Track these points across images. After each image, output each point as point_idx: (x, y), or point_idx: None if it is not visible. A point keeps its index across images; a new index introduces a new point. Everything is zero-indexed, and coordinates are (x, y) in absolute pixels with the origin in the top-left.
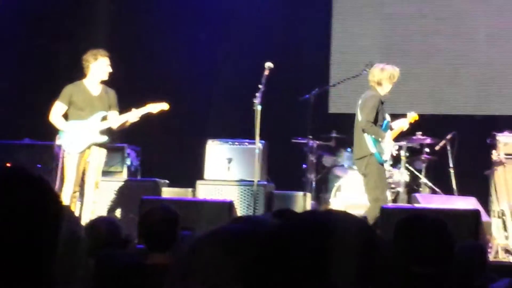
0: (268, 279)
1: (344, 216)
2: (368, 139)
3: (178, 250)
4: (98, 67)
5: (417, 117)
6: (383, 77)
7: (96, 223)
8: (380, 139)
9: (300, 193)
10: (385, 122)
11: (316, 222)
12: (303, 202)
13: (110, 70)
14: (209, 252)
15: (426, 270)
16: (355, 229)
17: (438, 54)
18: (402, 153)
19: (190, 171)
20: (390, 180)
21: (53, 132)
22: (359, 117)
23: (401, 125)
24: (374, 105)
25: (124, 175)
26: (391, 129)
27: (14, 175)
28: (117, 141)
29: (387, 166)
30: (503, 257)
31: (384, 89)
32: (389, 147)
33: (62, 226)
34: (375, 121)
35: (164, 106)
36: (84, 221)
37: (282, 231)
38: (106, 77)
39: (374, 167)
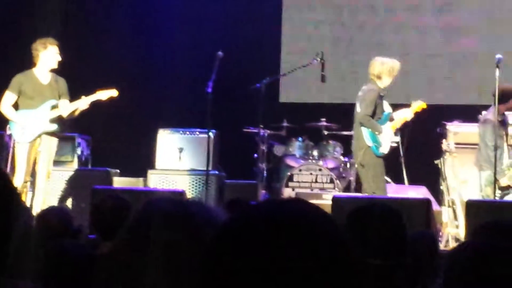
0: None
1: (306, 208)
2: (365, 132)
3: None
4: (48, 55)
5: (424, 106)
6: (383, 70)
7: (48, 213)
8: (377, 133)
9: (252, 183)
10: (386, 114)
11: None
12: (254, 191)
13: (59, 58)
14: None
15: (378, 261)
16: (316, 222)
17: (387, 44)
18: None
19: (141, 160)
20: (341, 170)
21: (3, 122)
22: (358, 109)
23: (403, 115)
24: (372, 99)
25: (74, 165)
26: (391, 120)
27: None
28: (67, 130)
29: (337, 154)
30: (453, 246)
31: (383, 83)
32: (387, 140)
33: (18, 215)
34: (373, 115)
35: (113, 92)
36: (35, 211)
37: (232, 226)
38: (55, 66)
39: (371, 160)
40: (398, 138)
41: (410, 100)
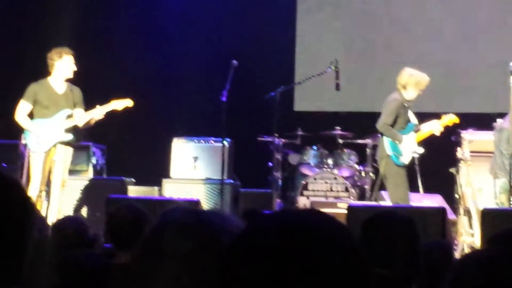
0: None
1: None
2: (386, 141)
3: None
4: (63, 65)
5: (457, 120)
6: (410, 82)
7: (63, 222)
8: (397, 142)
9: (267, 191)
10: (411, 124)
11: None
12: (270, 200)
13: (75, 68)
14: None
15: (393, 272)
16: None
17: (402, 52)
18: (368, 150)
19: (156, 169)
20: (355, 178)
21: (19, 131)
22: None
23: (431, 128)
24: (393, 110)
25: (90, 174)
26: (416, 131)
27: None
28: (82, 139)
29: (352, 162)
30: (466, 252)
31: (409, 94)
32: (409, 150)
33: (34, 226)
34: (394, 124)
35: (128, 102)
36: (50, 220)
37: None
38: (71, 75)
39: (391, 169)
40: (422, 150)
41: (431, 107)
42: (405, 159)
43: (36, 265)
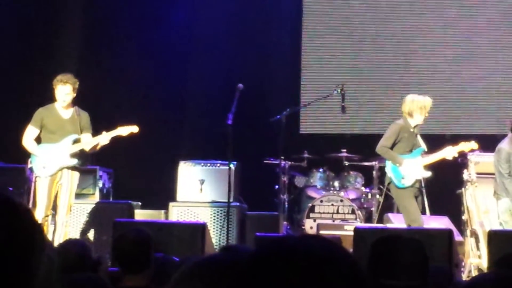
0: None
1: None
2: (388, 163)
3: (151, 272)
4: (57, 94)
5: (475, 147)
6: (414, 108)
7: (65, 245)
8: (397, 165)
9: (273, 214)
10: (419, 149)
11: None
12: (276, 223)
13: (66, 98)
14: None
15: (401, 284)
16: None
17: (407, 76)
18: (375, 173)
19: (163, 192)
20: (362, 200)
21: (24, 156)
22: None
23: (445, 154)
24: (392, 133)
25: (96, 197)
26: (423, 155)
27: None
28: (89, 163)
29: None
30: (474, 275)
31: (415, 120)
32: (412, 173)
33: (43, 251)
34: (393, 148)
35: (134, 129)
36: (56, 245)
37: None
38: (63, 104)
39: (394, 192)
40: (429, 174)
41: (436, 129)
42: (407, 181)
43: None
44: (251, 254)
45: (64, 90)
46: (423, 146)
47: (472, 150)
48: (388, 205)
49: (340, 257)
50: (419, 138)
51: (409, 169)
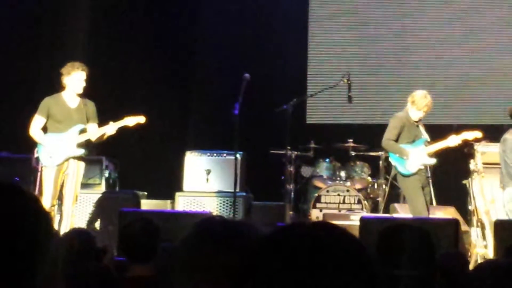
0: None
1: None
2: (391, 155)
3: (158, 262)
4: (71, 81)
5: (479, 136)
6: (423, 104)
7: (70, 235)
8: (404, 157)
9: (279, 204)
10: (422, 139)
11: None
12: (282, 212)
13: (83, 84)
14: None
15: (409, 273)
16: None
17: (414, 64)
18: (381, 163)
19: (169, 182)
20: (368, 190)
21: (31, 145)
22: None
23: (447, 144)
24: (395, 125)
25: (102, 187)
26: (427, 144)
27: (5, 190)
28: (95, 153)
29: (364, 175)
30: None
31: (416, 114)
32: (416, 161)
33: (51, 239)
34: (397, 139)
35: (140, 119)
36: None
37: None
38: (80, 91)
39: (402, 182)
40: (434, 161)
41: (444, 119)
42: (412, 168)
43: (52, 281)
44: (261, 238)
45: (82, 76)
46: (425, 136)
47: (476, 139)
48: (395, 195)
49: (350, 242)
50: (421, 128)
51: (413, 157)
